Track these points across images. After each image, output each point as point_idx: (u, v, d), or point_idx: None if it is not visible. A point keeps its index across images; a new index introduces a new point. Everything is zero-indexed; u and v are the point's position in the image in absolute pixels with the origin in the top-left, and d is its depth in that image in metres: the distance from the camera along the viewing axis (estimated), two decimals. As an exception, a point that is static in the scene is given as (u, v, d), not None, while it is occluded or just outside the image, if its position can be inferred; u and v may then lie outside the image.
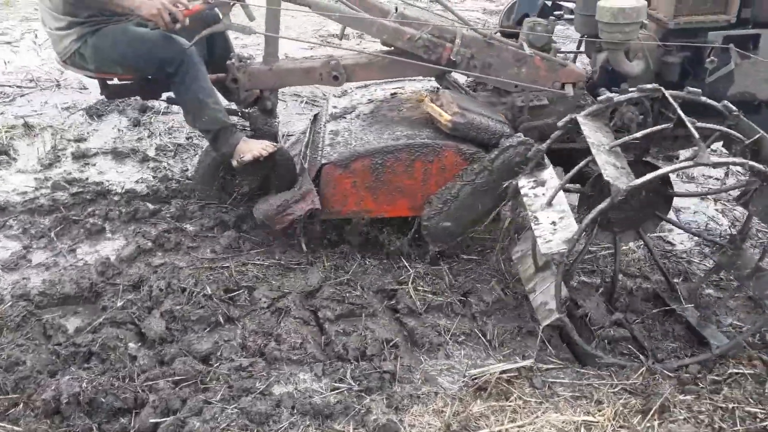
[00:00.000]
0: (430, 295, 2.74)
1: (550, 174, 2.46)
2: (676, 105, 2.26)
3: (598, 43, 2.81)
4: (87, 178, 3.50)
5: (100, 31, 2.72)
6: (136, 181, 3.49)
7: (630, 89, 2.38)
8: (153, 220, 3.18)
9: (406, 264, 2.89)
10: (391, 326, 2.60)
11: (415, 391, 2.30)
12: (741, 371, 2.44)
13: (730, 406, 2.28)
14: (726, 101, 2.33)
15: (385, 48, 2.88)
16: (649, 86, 2.37)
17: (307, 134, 3.21)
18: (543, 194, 2.37)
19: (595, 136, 2.28)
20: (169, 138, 3.96)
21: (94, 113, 4.11)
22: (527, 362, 2.42)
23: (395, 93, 3.21)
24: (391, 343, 2.47)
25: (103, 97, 3.06)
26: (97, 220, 3.16)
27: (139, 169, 3.64)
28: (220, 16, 2.76)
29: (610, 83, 2.84)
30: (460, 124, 2.65)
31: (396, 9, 2.77)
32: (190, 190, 3.29)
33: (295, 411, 2.16)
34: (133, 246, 2.96)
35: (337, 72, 2.81)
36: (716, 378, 2.40)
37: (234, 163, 2.85)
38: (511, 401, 2.26)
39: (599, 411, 2.24)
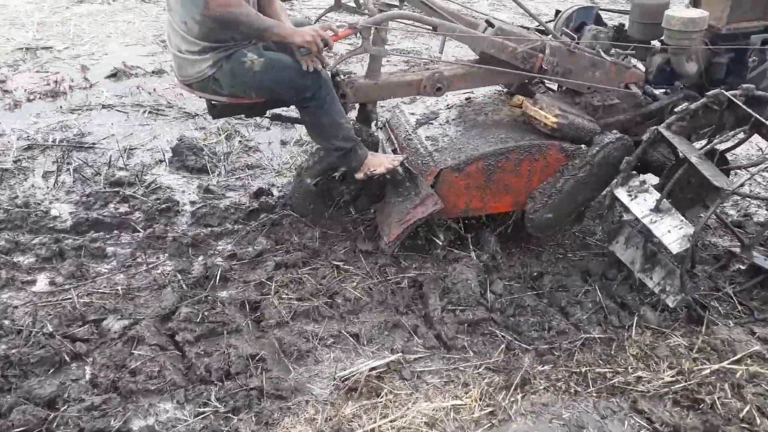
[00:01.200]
0: (295, 302, 2.68)
1: (643, 180, 2.77)
2: None
3: (653, 47, 3.11)
4: None
5: (234, 57, 2.63)
6: (-44, 216, 3.11)
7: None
8: (-21, 257, 2.85)
9: (266, 276, 2.81)
10: (256, 340, 2.51)
11: (285, 403, 2.24)
12: (591, 335, 2.62)
13: (583, 369, 2.44)
14: None
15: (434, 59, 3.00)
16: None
17: (393, 141, 3.23)
18: (644, 200, 2.67)
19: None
20: (-7, 163, 3.58)
21: None
22: (395, 356, 2.44)
23: (469, 98, 3.33)
24: (257, 358, 2.39)
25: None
26: None
27: (-41, 201, 3.25)
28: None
29: (664, 82, 3.20)
30: (564, 125, 2.84)
31: (491, 24, 2.91)
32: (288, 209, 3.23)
33: (157, 444, 2.02)
34: (-44, 289, 2.63)
35: (441, 83, 2.92)
36: (569, 345, 2.55)
37: (360, 176, 2.89)
38: (382, 397, 2.27)
39: (466, 393, 2.30)
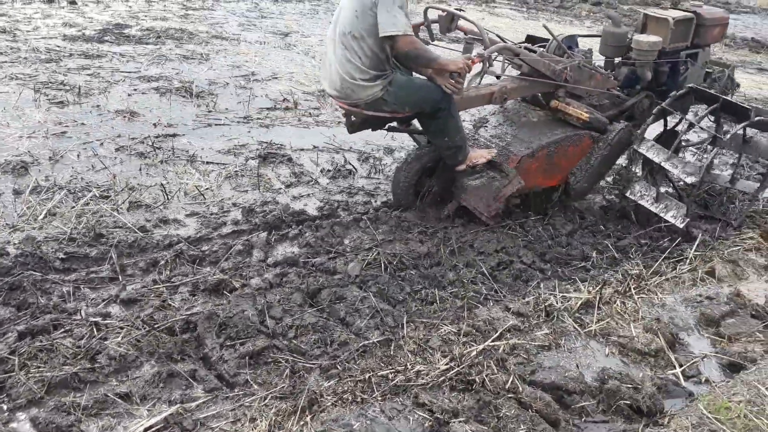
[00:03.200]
0: (48, 373, 2.35)
1: (653, 143, 3.92)
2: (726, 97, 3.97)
3: (620, 61, 4.33)
4: None
5: (394, 81, 3.39)
6: None
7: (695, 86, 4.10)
8: None
9: (8, 350, 2.43)
10: (2, 427, 2.15)
11: (46, 493, 1.94)
12: (370, 341, 2.69)
13: (367, 376, 2.49)
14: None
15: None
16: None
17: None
18: (658, 153, 3.82)
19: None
20: None
21: None
22: (173, 408, 2.26)
23: (503, 106, 4.15)
24: (3, 450, 2.04)
25: None
26: None
27: None
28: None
29: (627, 86, 4.37)
30: (592, 119, 3.88)
31: (532, 50, 3.84)
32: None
33: None
34: None
35: (506, 94, 3.85)
36: (350, 355, 2.59)
37: (462, 167, 3.66)
38: (162, 458, 2.08)
39: (255, 429, 2.21)
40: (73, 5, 8.72)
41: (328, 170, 4.39)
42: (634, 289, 3.24)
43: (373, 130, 3.87)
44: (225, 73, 6.34)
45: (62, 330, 2.58)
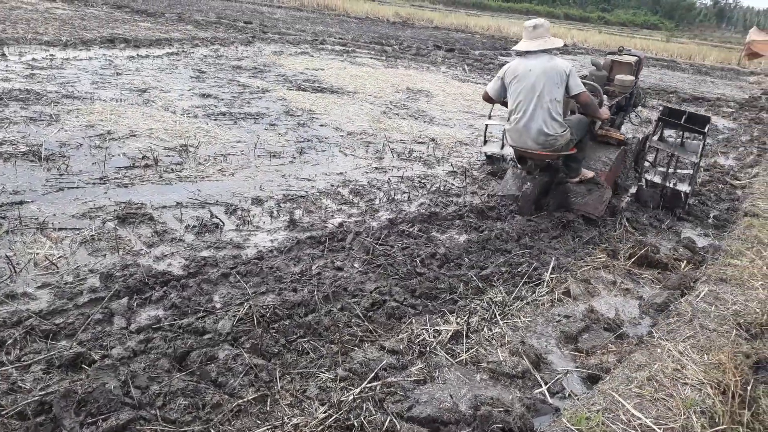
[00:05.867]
0: None
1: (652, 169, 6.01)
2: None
3: (610, 94, 6.00)
4: None
5: (570, 124, 4.91)
6: None
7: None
8: None
9: None
10: None
11: None
12: (244, 399, 2.61)
13: (243, 436, 2.40)
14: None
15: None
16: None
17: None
18: (659, 176, 5.83)
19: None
20: None
21: None
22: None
23: None
24: None
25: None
26: None
27: None
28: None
29: (615, 112, 6.07)
30: (627, 139, 5.76)
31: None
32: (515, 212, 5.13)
33: None
34: None
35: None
36: (223, 417, 2.50)
37: (577, 179, 5.17)
38: None
39: None
40: None
41: (194, 226, 4.27)
42: (499, 315, 3.42)
43: (531, 172, 5.24)
44: (78, 134, 6.02)
45: None
